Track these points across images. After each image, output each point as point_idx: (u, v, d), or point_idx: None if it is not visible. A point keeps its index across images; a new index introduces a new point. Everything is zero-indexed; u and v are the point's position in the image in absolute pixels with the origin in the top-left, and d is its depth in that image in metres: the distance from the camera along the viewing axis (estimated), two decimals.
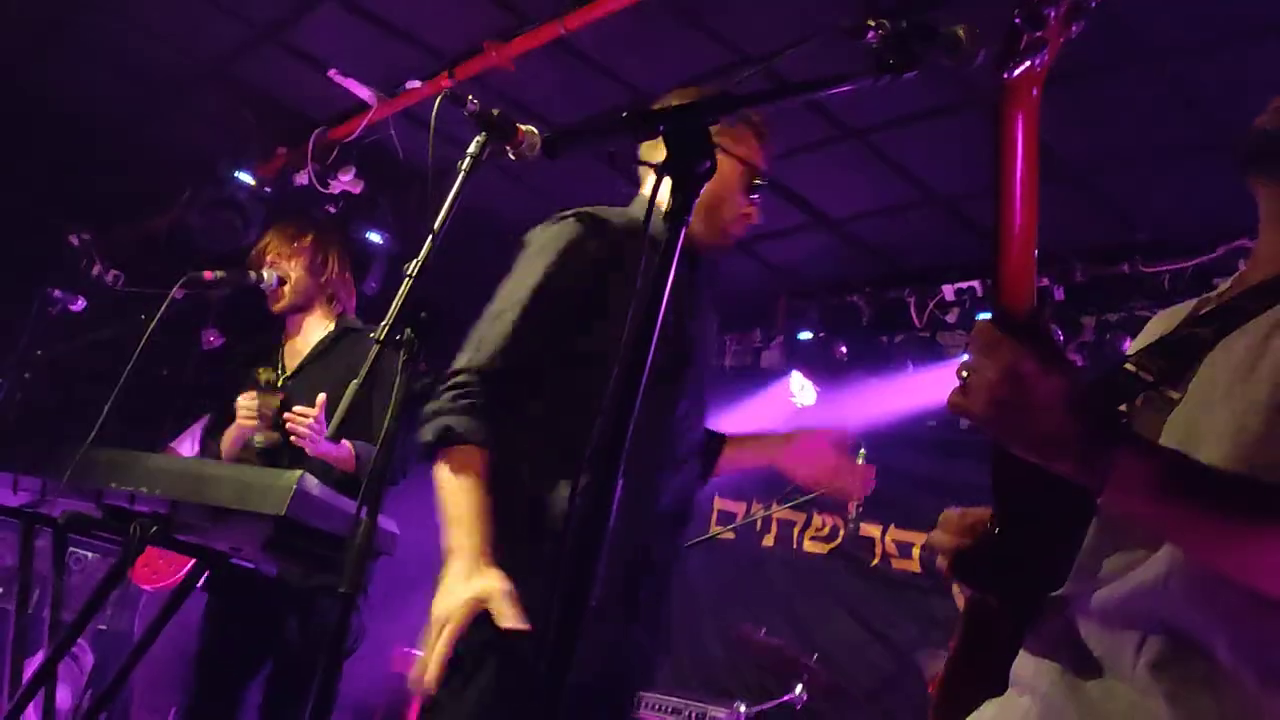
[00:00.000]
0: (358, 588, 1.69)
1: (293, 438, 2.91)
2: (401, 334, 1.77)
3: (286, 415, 2.93)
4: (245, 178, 5.06)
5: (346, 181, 4.85)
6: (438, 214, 1.93)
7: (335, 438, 2.01)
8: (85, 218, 5.76)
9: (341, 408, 1.75)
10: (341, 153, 4.89)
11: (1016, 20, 1.12)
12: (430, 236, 1.85)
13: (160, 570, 3.13)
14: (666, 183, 1.17)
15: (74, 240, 5.88)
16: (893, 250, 5.26)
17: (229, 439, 3.17)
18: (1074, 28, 1.15)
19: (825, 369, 5.65)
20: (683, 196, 1.16)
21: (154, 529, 2.59)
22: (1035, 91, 1.13)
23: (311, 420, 2.86)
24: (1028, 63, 1.12)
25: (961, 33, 1.45)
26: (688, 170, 1.16)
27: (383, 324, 1.76)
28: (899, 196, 4.76)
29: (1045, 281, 4.79)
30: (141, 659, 3.09)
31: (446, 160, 5.25)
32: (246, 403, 3.10)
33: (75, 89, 5.19)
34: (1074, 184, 4.34)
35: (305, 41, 4.53)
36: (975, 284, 5.17)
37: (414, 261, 1.82)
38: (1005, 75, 1.13)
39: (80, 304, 4.20)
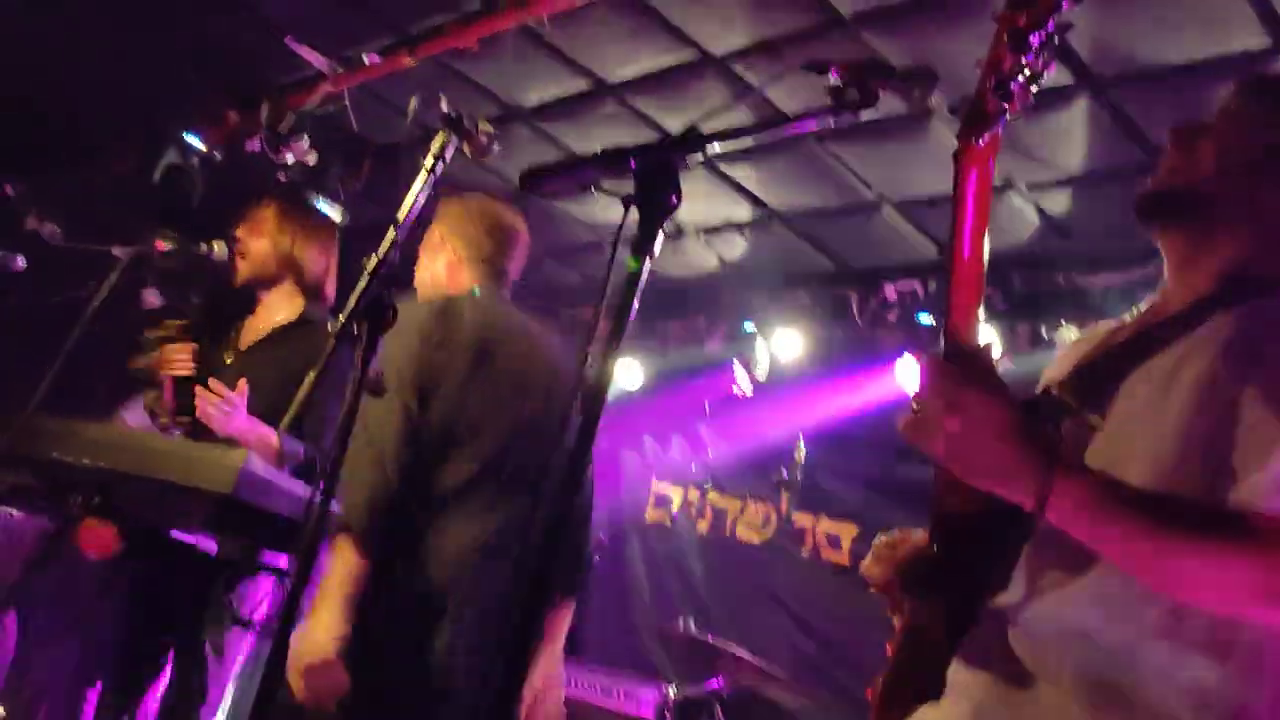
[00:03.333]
0: (308, 574, 1.73)
1: (197, 414, 2.82)
2: (357, 329, 1.80)
3: (200, 390, 2.84)
4: (194, 140, 4.99)
5: (299, 150, 4.80)
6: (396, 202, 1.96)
7: (291, 428, 2.04)
8: (24, 171, 5.61)
9: (297, 400, 1.78)
10: (295, 121, 4.83)
11: (988, 93, 1.20)
12: (391, 228, 1.87)
13: (105, 538, 3.11)
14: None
15: (8, 190, 5.74)
16: (838, 248, 5.36)
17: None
18: (1030, 95, 1.25)
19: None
20: (649, 228, 1.22)
21: (95, 501, 2.58)
22: (992, 158, 1.23)
23: (221, 401, 2.77)
24: (993, 129, 1.22)
25: (917, 74, 1.54)
26: (654, 203, 1.22)
27: (339, 316, 1.79)
28: (845, 197, 4.85)
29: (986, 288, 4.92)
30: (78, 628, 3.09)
31: (399, 132, 5.20)
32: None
33: (21, 39, 5.06)
34: (1020, 199, 4.47)
35: (264, 7, 4.47)
36: (916, 284, 5.29)
37: (373, 255, 1.84)
38: (976, 142, 1.22)
39: (20, 262, 4.10)
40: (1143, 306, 1.48)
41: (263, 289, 3.26)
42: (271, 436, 2.87)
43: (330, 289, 3.34)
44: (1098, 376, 1.35)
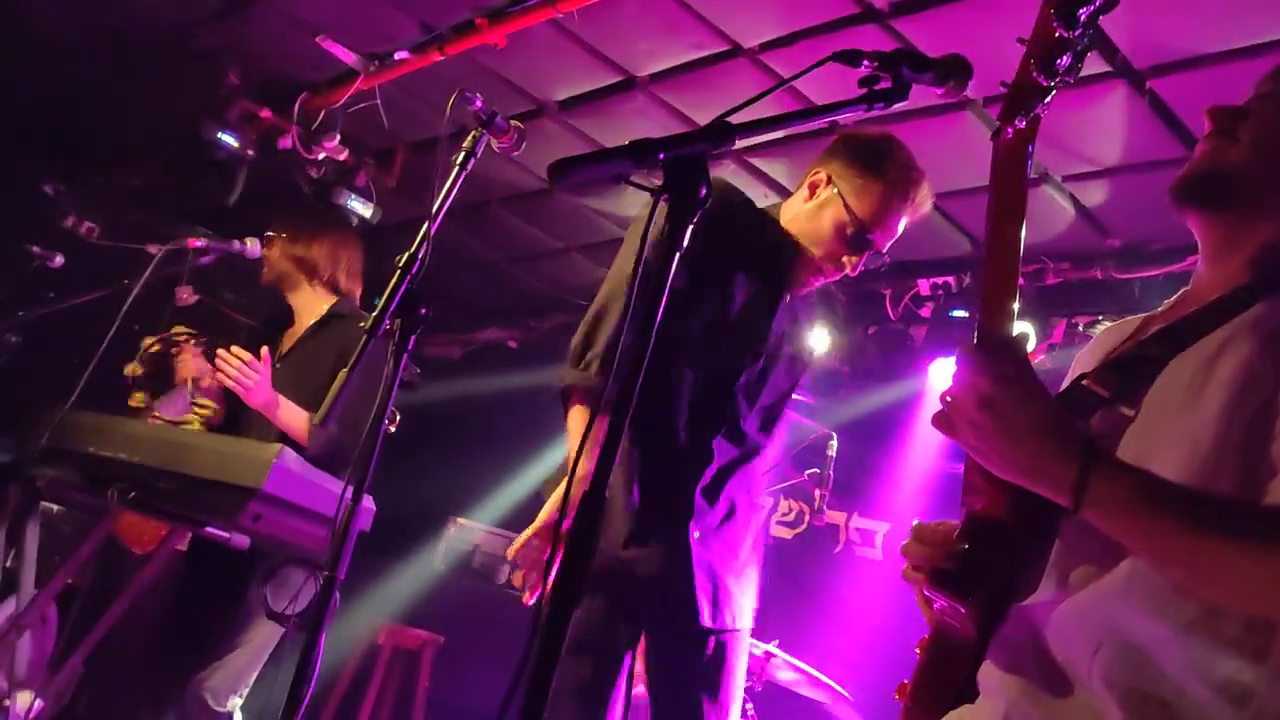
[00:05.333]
0: (338, 569, 1.74)
1: (220, 375, 2.96)
2: (391, 324, 1.81)
3: (220, 353, 2.97)
4: (228, 138, 5.03)
5: (331, 148, 4.83)
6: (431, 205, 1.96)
7: (322, 421, 2.08)
8: (61, 170, 5.69)
9: (332, 393, 1.80)
10: (326, 119, 4.86)
11: (1032, 69, 1.18)
12: (425, 229, 1.88)
13: (150, 534, 3.17)
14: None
15: (49, 190, 5.82)
16: None
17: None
18: (1072, 77, 1.23)
19: None
20: (677, 220, 1.21)
21: (131, 495, 2.62)
22: (1032, 141, 1.21)
23: (243, 366, 2.90)
24: (1035, 110, 1.19)
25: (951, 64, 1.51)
26: (683, 195, 1.21)
27: (373, 315, 1.80)
28: None
29: (1020, 281, 4.85)
30: (118, 619, 3.13)
31: (434, 132, 5.21)
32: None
33: (56, 39, 5.13)
34: (1053, 189, 4.41)
35: (296, 5, 4.50)
36: (950, 279, 5.23)
37: (405, 254, 1.85)
38: (1017, 124, 1.19)
39: (59, 260, 4.17)
40: (1174, 298, 1.44)
41: (290, 292, 3.40)
42: (301, 415, 2.99)
43: (351, 285, 3.45)
44: (1130, 368, 1.32)
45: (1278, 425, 1.14)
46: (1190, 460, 1.18)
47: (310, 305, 3.38)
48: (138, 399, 3.15)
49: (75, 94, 5.31)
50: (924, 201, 2.35)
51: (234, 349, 2.96)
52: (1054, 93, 1.22)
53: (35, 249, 4.15)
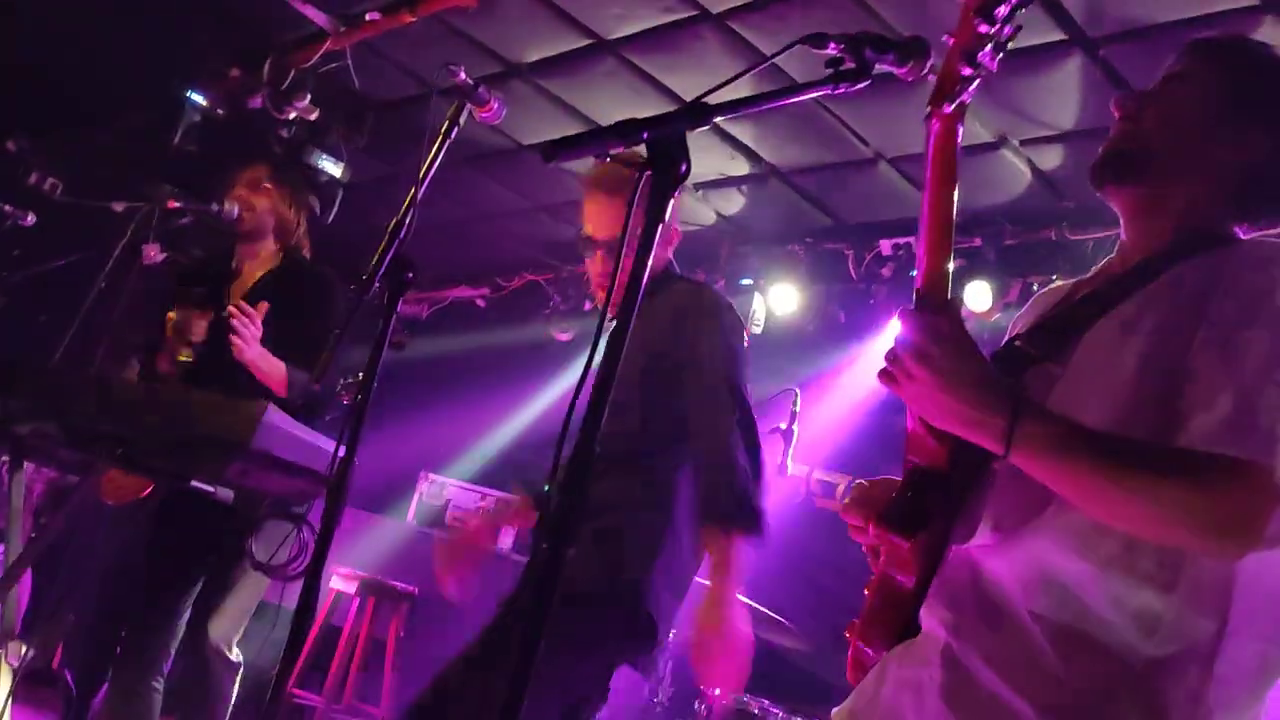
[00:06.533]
0: (334, 523, 1.83)
1: (231, 335, 2.99)
2: (379, 287, 1.90)
3: (230, 308, 3.01)
4: (197, 97, 5.02)
5: (302, 108, 4.83)
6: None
7: (317, 379, 2.17)
8: (27, 126, 5.63)
9: (324, 358, 1.87)
10: (296, 78, 4.86)
11: (957, 63, 1.29)
12: (410, 194, 1.96)
13: (125, 485, 3.21)
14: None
15: (11, 146, 5.76)
16: (835, 204, 5.43)
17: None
18: (995, 62, 1.34)
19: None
20: (661, 194, 1.31)
21: (118, 452, 2.68)
22: (960, 122, 1.32)
23: (248, 322, 2.95)
24: (960, 98, 1.30)
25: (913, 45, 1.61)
26: (665, 171, 1.31)
27: (364, 276, 1.88)
28: (842, 153, 4.91)
29: (979, 242, 5.00)
30: (96, 570, 3.20)
31: (404, 92, 5.23)
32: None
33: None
34: (1012, 154, 4.54)
35: None
36: (911, 240, 5.36)
37: (394, 219, 1.93)
38: (946, 110, 1.30)
39: (30, 219, 4.17)
40: (1102, 264, 1.55)
41: (253, 244, 3.41)
42: (282, 366, 3.05)
43: (305, 248, 3.50)
44: (1059, 329, 1.43)
45: (1185, 381, 1.26)
46: (1110, 412, 1.30)
47: (262, 259, 3.42)
48: (185, 354, 3.19)
49: (43, 51, 5.26)
50: (586, 182, 2.55)
51: (238, 303, 3.00)
52: (977, 81, 1.34)
53: (7, 208, 4.14)
